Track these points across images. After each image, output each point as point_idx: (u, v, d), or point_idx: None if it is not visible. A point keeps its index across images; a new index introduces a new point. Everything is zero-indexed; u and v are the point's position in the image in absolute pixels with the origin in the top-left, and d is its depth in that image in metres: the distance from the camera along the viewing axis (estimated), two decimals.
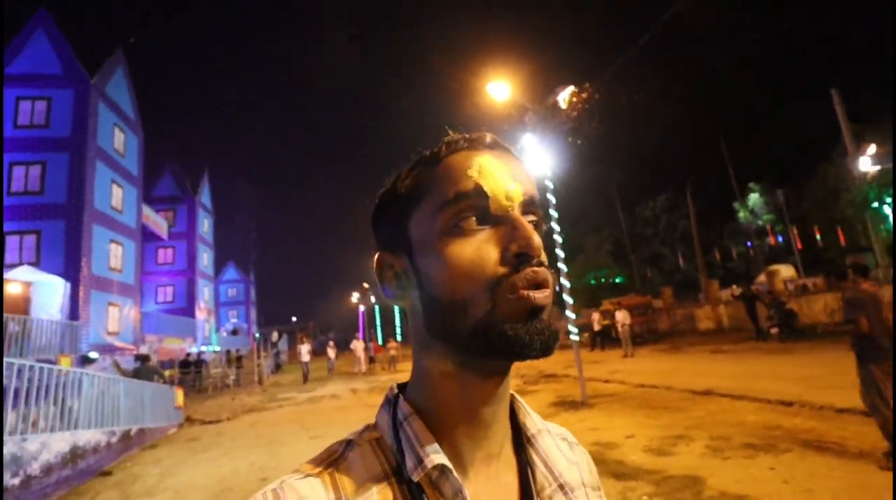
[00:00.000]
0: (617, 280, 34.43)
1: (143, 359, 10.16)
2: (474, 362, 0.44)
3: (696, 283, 29.12)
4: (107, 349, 13.57)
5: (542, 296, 0.41)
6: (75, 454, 6.31)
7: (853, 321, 4.02)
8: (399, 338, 35.25)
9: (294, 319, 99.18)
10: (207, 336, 27.51)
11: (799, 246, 27.62)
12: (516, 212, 0.44)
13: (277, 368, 28.40)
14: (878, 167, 16.11)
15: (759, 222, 33.22)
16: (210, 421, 11.04)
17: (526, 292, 0.41)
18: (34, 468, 5.49)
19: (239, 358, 22.15)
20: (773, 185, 33.40)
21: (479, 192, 0.43)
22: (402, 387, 0.51)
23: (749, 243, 31.63)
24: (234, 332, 37.15)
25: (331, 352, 21.86)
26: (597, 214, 38.44)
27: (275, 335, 22.58)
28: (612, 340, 18.43)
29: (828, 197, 23.92)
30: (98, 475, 6.60)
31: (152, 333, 18.30)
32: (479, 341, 0.42)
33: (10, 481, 5.12)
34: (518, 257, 0.42)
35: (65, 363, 9.43)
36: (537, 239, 0.42)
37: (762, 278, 20.11)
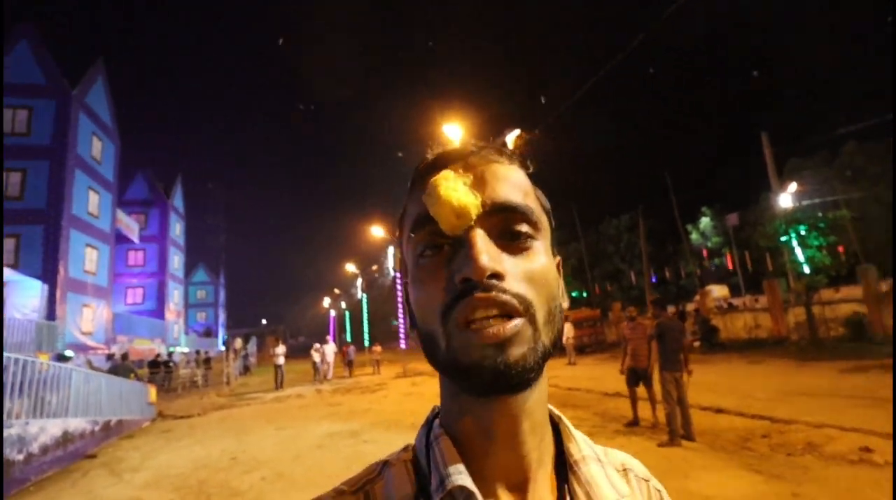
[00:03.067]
0: (573, 294, 36.28)
1: (122, 357, 10.98)
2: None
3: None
4: (81, 348, 14.18)
5: (494, 330, 0.37)
6: (66, 438, 7.23)
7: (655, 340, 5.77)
8: (367, 344, 36.07)
9: (264, 321, 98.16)
10: (177, 337, 27.85)
11: (730, 267, 30.03)
12: (474, 226, 0.39)
13: (246, 370, 28.90)
14: (796, 204, 18.29)
15: (709, 244, 35.70)
16: (181, 416, 11.90)
17: (474, 326, 0.37)
18: (34, 448, 6.42)
19: (208, 360, 22.74)
20: (724, 210, 36.08)
21: (431, 217, 0.40)
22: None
23: (699, 263, 34.11)
24: (207, 333, 37.30)
25: (316, 355, 19.59)
26: (566, 231, 40.39)
27: (238, 342, 22.61)
28: (561, 349, 20.03)
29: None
30: (84, 458, 7.53)
31: (123, 333, 18.82)
32: (448, 375, 0.41)
33: (17, 457, 6.06)
34: (464, 283, 0.38)
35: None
36: (483, 258, 0.37)
37: (698, 297, 22.06)
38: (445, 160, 0.44)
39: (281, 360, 17.04)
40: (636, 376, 6.74)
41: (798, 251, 15.48)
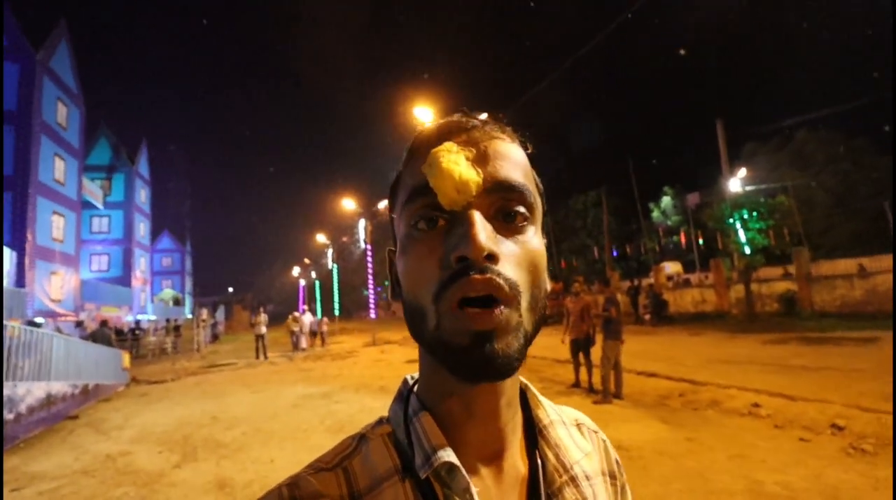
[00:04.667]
0: None
1: (101, 323, 11.25)
2: None
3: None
4: (49, 315, 14.26)
5: (485, 317, 0.37)
6: (49, 400, 7.65)
7: (608, 311, 6.48)
8: (337, 313, 36.57)
9: (231, 290, 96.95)
10: (143, 305, 27.69)
11: (683, 245, 31.85)
12: (472, 206, 0.39)
13: (215, 338, 29.14)
14: (742, 189, 19.58)
15: (669, 222, 37.37)
16: (155, 381, 12.32)
17: (465, 311, 0.37)
18: (21, 408, 6.85)
19: (177, 327, 22.91)
20: (684, 190, 37.68)
21: (430, 188, 0.39)
22: (417, 380, 0.49)
23: (658, 241, 35.82)
24: (177, 301, 37.05)
25: (294, 325, 18.61)
26: None
27: (204, 312, 22.57)
28: None
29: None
30: (67, 419, 7.97)
31: (90, 301, 18.77)
32: (434, 354, 0.40)
33: (7, 416, 6.50)
34: (459, 262, 0.37)
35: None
36: (481, 237, 0.36)
37: (652, 272, 23.52)
38: (448, 132, 0.43)
39: (263, 329, 16.31)
40: (577, 346, 7.60)
41: (741, 233, 16.80)
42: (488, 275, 0.37)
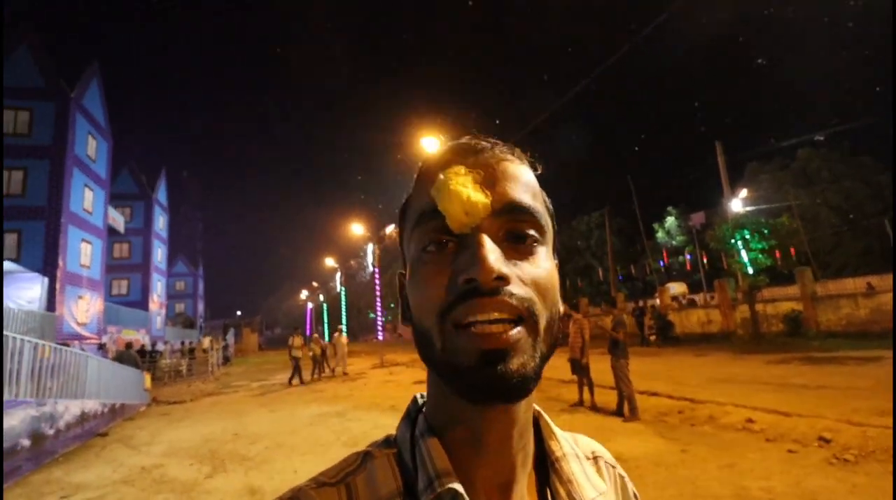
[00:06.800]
0: None
1: (127, 346, 11.80)
2: None
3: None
4: (76, 338, 14.88)
5: (496, 335, 0.36)
6: (84, 417, 8.13)
7: (616, 332, 6.86)
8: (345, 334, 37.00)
9: (239, 313, 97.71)
10: (160, 328, 28.35)
11: (688, 267, 32.04)
12: (481, 228, 0.39)
13: (226, 361, 29.59)
14: (743, 209, 19.96)
15: (674, 242, 37.60)
16: (175, 402, 12.76)
17: (471, 330, 0.36)
18: (61, 425, 7.35)
19: (192, 350, 23.41)
20: (689, 210, 38.04)
21: (439, 211, 0.39)
22: (426, 400, 0.47)
23: (662, 261, 36.08)
24: (192, 324, 37.75)
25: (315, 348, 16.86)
26: None
27: (206, 341, 22.64)
28: None
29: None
30: (97, 436, 8.42)
31: (112, 324, 19.41)
32: (442, 377, 0.40)
33: (48, 431, 6.98)
34: (467, 284, 0.37)
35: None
36: (491, 259, 0.36)
37: (658, 293, 23.75)
38: (456, 155, 0.43)
39: (298, 352, 15.33)
40: (574, 365, 7.93)
41: (743, 253, 17.11)
42: (498, 297, 0.36)
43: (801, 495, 3.91)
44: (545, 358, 0.39)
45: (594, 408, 7.66)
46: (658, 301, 22.23)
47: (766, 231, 17.07)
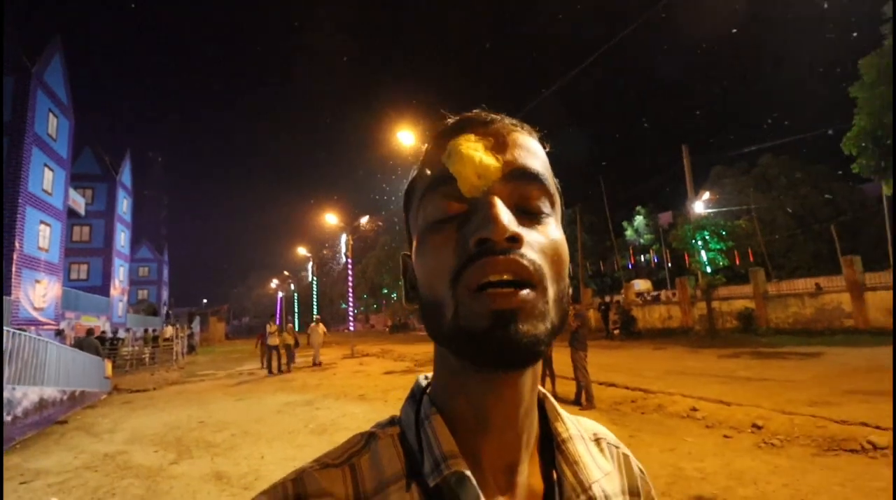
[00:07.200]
0: None
1: (87, 332, 11.53)
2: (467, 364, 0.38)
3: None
4: (32, 324, 14.37)
5: (508, 297, 0.35)
6: (42, 404, 7.98)
7: (575, 324, 7.24)
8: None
9: (205, 301, 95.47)
10: (122, 315, 27.54)
11: (653, 264, 33.23)
12: (492, 190, 0.39)
13: (191, 349, 29.06)
14: (704, 211, 20.84)
15: (642, 241, 38.78)
16: (137, 390, 12.57)
17: (484, 292, 0.35)
18: (18, 411, 7.22)
19: (156, 338, 22.91)
20: (656, 209, 39.28)
21: (450, 176, 0.39)
22: (430, 381, 0.47)
23: (630, 259, 37.25)
24: (155, 311, 36.77)
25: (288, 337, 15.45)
26: None
27: (168, 330, 22.09)
28: None
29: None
30: (56, 423, 8.29)
31: (71, 310, 18.79)
32: (452, 347, 0.38)
33: (5, 418, 6.86)
34: (479, 245, 0.36)
35: None
36: (503, 218, 0.36)
37: (623, 289, 24.59)
38: (467, 124, 0.43)
39: (276, 340, 14.68)
40: None
41: (703, 253, 17.92)
42: (511, 256, 0.36)
43: (730, 474, 4.31)
44: (556, 329, 0.38)
45: (555, 397, 7.99)
46: (623, 297, 23.01)
47: (723, 233, 17.90)
